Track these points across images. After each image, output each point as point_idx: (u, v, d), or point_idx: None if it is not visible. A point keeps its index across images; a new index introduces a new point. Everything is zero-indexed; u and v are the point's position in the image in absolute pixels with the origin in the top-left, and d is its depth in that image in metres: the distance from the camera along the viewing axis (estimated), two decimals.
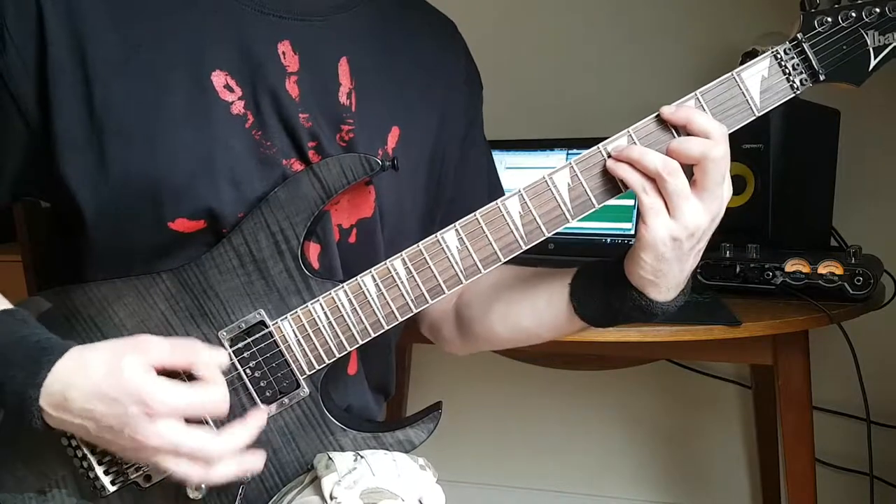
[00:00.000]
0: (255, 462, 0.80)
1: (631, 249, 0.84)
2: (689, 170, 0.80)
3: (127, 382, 0.73)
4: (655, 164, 0.79)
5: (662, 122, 0.82)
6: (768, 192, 1.46)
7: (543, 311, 0.94)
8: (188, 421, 0.75)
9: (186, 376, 0.78)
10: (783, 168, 1.46)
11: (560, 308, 0.92)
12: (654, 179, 0.80)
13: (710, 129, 0.80)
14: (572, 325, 0.93)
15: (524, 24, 1.96)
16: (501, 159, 1.69)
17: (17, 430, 0.81)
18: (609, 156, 0.82)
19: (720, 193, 0.80)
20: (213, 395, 0.77)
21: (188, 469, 0.75)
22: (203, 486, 0.83)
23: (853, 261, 1.29)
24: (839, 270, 1.28)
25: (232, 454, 0.77)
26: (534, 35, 1.96)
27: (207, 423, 0.82)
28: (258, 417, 0.81)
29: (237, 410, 0.85)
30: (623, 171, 0.81)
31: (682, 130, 0.81)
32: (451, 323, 1.04)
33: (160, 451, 0.74)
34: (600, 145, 0.83)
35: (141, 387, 0.73)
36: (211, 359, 0.78)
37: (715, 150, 0.79)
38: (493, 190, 1.08)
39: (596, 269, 0.91)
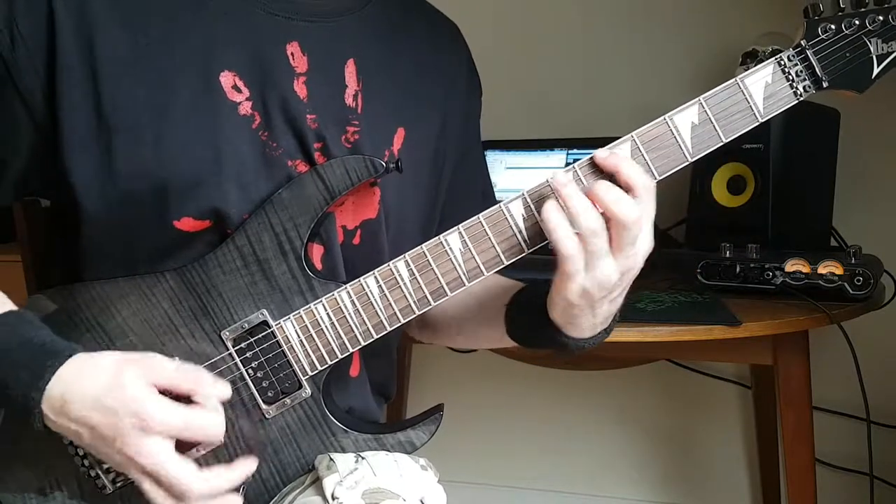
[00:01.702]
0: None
1: (550, 289, 0.83)
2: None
3: (126, 395, 0.73)
4: (590, 225, 0.77)
5: (666, 126, 0.82)
6: (768, 192, 1.46)
7: (490, 321, 0.96)
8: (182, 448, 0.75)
9: (186, 401, 0.77)
10: (783, 168, 1.47)
11: (498, 324, 0.95)
12: (578, 233, 0.78)
13: (634, 184, 0.78)
14: (508, 341, 0.96)
15: (524, 24, 1.97)
16: (501, 159, 1.69)
17: (18, 429, 0.81)
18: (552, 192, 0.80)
19: (633, 252, 0.78)
20: (210, 421, 0.77)
21: (162, 499, 0.75)
22: None
23: (853, 261, 1.29)
24: (839, 270, 1.28)
25: (209, 497, 0.77)
26: (534, 35, 1.96)
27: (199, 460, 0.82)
28: (246, 466, 0.80)
29: (239, 411, 0.85)
30: (555, 223, 0.78)
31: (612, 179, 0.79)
32: None
33: (144, 471, 0.74)
34: (601, 150, 0.82)
35: (139, 401, 0.73)
36: (214, 389, 0.78)
37: (628, 211, 0.76)
38: (486, 194, 1.09)
39: (528, 296, 0.92)
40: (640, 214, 0.77)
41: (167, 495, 0.75)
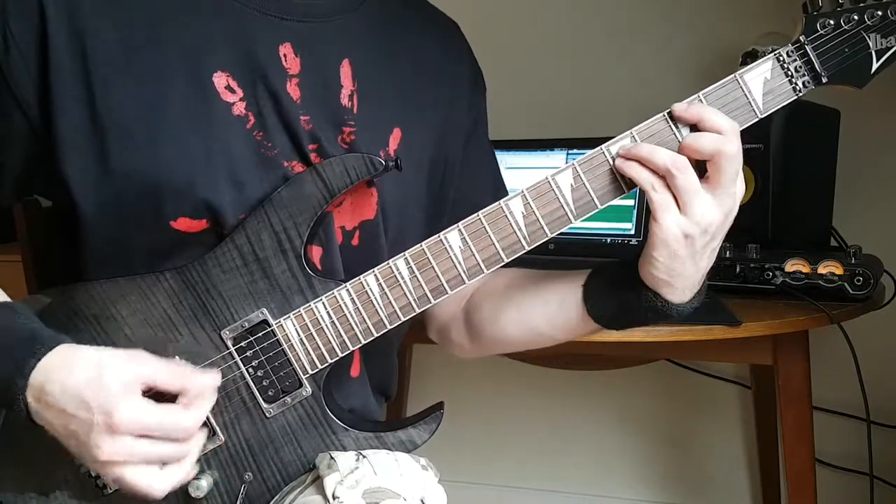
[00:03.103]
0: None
1: (644, 249, 0.84)
2: (699, 168, 0.80)
3: (102, 391, 0.72)
4: (664, 161, 0.79)
5: (665, 123, 0.82)
6: (768, 192, 1.46)
7: (556, 312, 0.94)
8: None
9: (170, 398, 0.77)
10: (783, 168, 1.47)
11: (573, 310, 0.92)
12: (663, 177, 0.80)
13: (722, 125, 0.80)
14: (586, 326, 0.93)
15: (524, 24, 1.97)
16: (502, 159, 1.67)
17: (18, 429, 0.81)
18: (616, 156, 0.82)
19: (733, 190, 0.80)
20: (179, 420, 0.76)
21: (145, 474, 0.75)
22: (204, 485, 0.84)
23: (853, 261, 1.29)
24: (839, 270, 1.28)
25: (171, 488, 0.77)
26: (534, 35, 1.96)
27: (210, 427, 0.82)
28: (195, 443, 0.79)
29: (240, 410, 0.85)
30: (632, 169, 0.81)
31: (693, 128, 0.81)
32: (460, 326, 1.04)
33: (106, 466, 0.74)
34: (603, 146, 0.83)
35: (112, 399, 0.72)
36: (200, 387, 0.78)
37: (728, 146, 0.79)
38: (497, 191, 1.08)
39: (610, 271, 0.91)
40: (739, 146, 0.79)
41: (148, 467, 0.75)
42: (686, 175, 0.79)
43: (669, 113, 0.82)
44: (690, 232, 0.80)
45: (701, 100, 0.82)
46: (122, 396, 0.73)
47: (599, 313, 0.91)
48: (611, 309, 0.90)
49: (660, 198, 0.80)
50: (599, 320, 0.91)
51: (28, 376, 0.73)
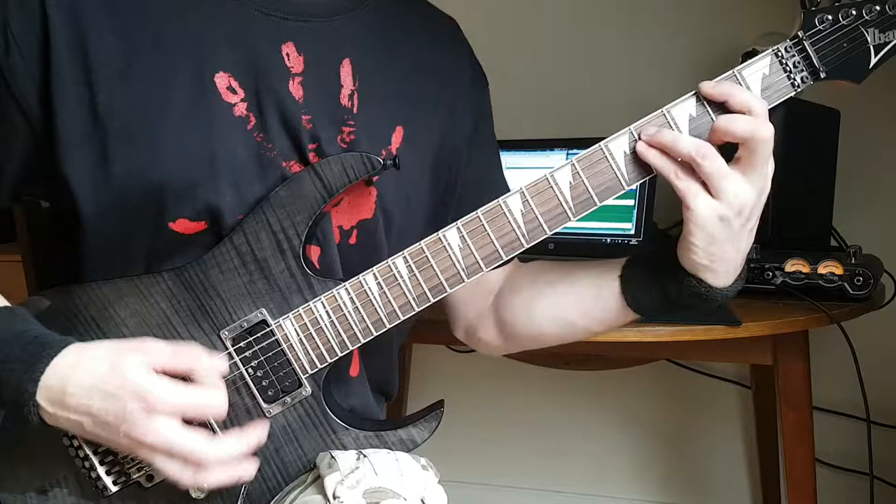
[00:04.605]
0: (248, 470, 0.79)
1: (680, 237, 0.83)
2: (722, 149, 0.80)
3: (128, 379, 0.73)
4: (689, 150, 0.78)
5: (664, 119, 0.82)
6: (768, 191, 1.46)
7: (592, 305, 0.93)
8: (189, 423, 0.75)
9: (185, 381, 0.78)
10: (783, 168, 1.46)
11: (611, 301, 0.91)
12: (686, 164, 0.79)
13: (753, 105, 0.79)
14: (625, 317, 0.92)
15: (524, 23, 1.97)
16: (502, 159, 1.69)
17: (18, 429, 0.81)
18: (638, 138, 0.82)
19: (766, 171, 0.80)
20: (213, 397, 0.77)
21: (179, 471, 0.75)
22: (205, 485, 0.83)
23: (853, 261, 1.29)
24: (839, 270, 1.28)
25: (225, 462, 0.77)
26: (534, 35, 1.96)
27: (211, 427, 0.82)
28: (259, 429, 0.80)
29: (240, 411, 0.85)
30: (652, 157, 0.81)
31: (720, 108, 0.80)
32: (490, 325, 1.03)
33: (154, 450, 0.74)
34: (602, 143, 0.83)
35: (142, 383, 0.73)
36: (211, 364, 0.78)
37: (763, 128, 0.78)
38: (502, 189, 1.07)
39: (646, 261, 0.90)
40: (771, 129, 0.78)
41: (183, 466, 0.75)
42: (713, 161, 0.78)
43: (668, 109, 0.82)
44: (725, 214, 0.79)
45: (699, 94, 0.82)
46: (147, 379, 0.73)
47: (640, 304, 0.90)
48: (652, 299, 0.89)
49: (684, 185, 0.79)
50: (641, 310, 0.90)
51: (38, 381, 0.73)
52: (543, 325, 0.98)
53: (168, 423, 0.74)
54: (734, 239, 0.81)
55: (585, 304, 0.94)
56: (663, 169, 0.80)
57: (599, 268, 0.94)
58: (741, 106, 0.79)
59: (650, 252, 0.90)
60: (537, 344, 1.02)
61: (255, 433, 0.80)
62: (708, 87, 0.81)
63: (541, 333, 0.99)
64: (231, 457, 0.77)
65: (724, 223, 0.79)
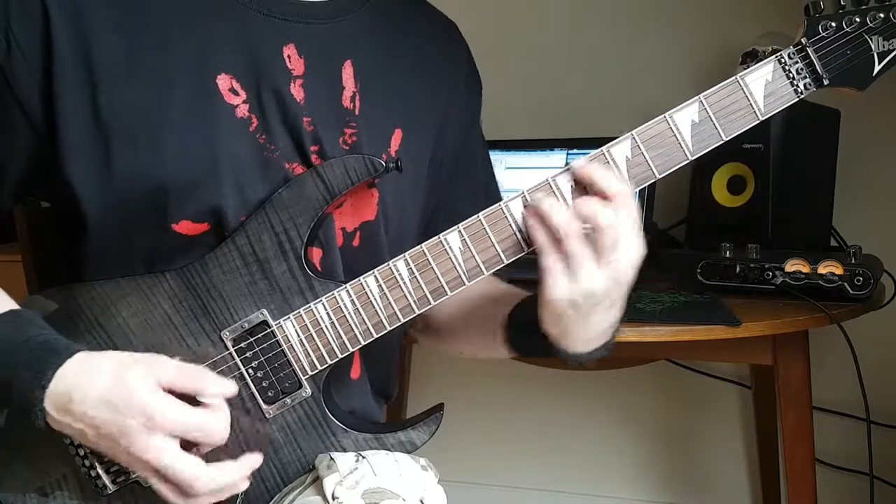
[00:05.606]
0: (240, 487, 0.79)
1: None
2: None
3: (132, 394, 0.73)
4: (558, 224, 0.78)
5: (666, 124, 0.82)
6: (768, 192, 1.47)
7: (480, 350, 0.99)
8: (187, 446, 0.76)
9: (190, 401, 0.77)
10: (783, 168, 1.47)
11: (497, 334, 0.95)
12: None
13: (608, 190, 0.78)
14: (502, 352, 0.96)
15: (524, 24, 1.97)
16: (501, 159, 1.69)
17: (19, 429, 0.81)
18: (526, 204, 0.82)
19: (616, 257, 0.78)
20: (215, 423, 0.77)
21: (170, 494, 0.76)
22: None
23: (853, 261, 1.29)
24: (839, 270, 1.28)
25: (216, 492, 0.77)
26: (533, 35, 1.96)
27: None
28: (250, 461, 0.80)
29: (239, 410, 0.85)
30: (531, 227, 0.81)
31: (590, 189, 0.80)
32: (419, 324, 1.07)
33: (150, 468, 0.74)
34: (604, 147, 0.83)
35: (145, 399, 0.73)
36: (218, 388, 0.78)
37: (601, 217, 0.77)
38: (490, 192, 1.08)
39: (530, 309, 0.89)
40: (614, 219, 0.77)
41: (176, 492, 0.75)
42: (572, 241, 0.78)
43: (670, 115, 0.82)
44: (573, 298, 0.78)
45: (701, 101, 0.82)
46: (150, 395, 0.73)
47: (516, 346, 0.94)
48: (523, 345, 0.93)
49: (547, 263, 0.79)
50: (517, 351, 0.95)
51: (46, 387, 0.73)
52: (457, 333, 1.04)
53: (166, 443, 0.74)
54: (585, 319, 0.81)
55: (488, 328, 0.96)
56: (537, 242, 0.80)
57: (510, 298, 0.95)
58: (598, 190, 0.79)
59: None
60: (448, 348, 1.09)
61: (247, 464, 0.80)
62: (577, 165, 0.81)
63: (451, 340, 1.05)
64: (221, 487, 0.77)
65: (572, 304, 0.79)
